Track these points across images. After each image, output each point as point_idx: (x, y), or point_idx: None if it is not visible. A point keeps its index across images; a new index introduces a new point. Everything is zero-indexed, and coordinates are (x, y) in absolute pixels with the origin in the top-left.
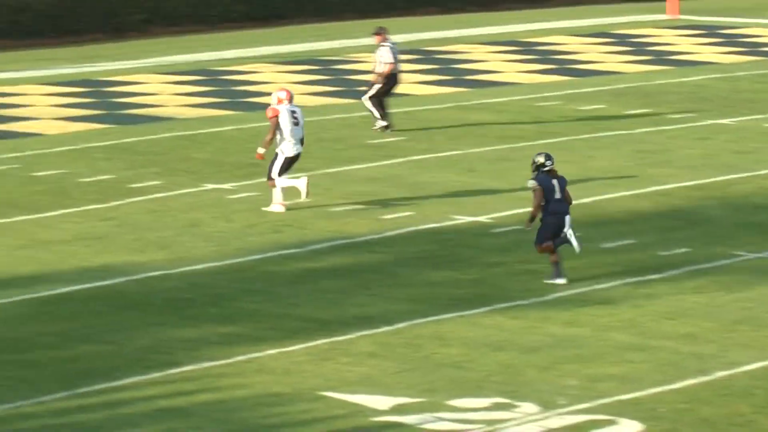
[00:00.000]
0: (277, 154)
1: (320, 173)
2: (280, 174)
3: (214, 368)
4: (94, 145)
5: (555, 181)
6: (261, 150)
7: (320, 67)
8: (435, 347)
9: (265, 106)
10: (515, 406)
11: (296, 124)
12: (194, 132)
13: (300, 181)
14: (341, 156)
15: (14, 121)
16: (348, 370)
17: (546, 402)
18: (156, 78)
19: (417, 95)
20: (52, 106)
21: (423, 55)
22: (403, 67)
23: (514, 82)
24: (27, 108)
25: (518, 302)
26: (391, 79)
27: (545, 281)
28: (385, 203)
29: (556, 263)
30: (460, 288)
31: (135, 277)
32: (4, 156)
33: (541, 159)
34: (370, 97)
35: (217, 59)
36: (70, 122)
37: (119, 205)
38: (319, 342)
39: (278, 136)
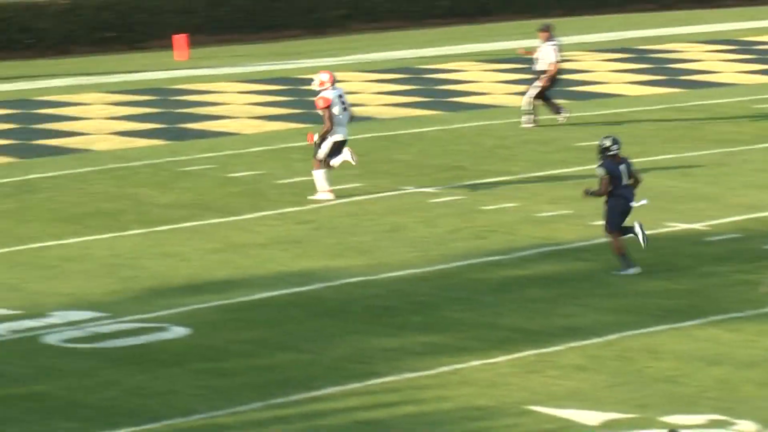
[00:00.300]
0: (323, 139)
1: (527, 176)
2: (328, 157)
3: (416, 379)
4: (291, 145)
5: (623, 167)
6: (316, 137)
7: (526, 66)
8: (647, 360)
9: (470, 106)
10: (732, 424)
11: (345, 108)
12: (396, 132)
13: (345, 154)
14: (548, 159)
15: (210, 120)
16: (555, 383)
17: (766, 420)
18: (356, 76)
19: (629, 96)
20: (248, 104)
21: (636, 53)
22: (615, 66)
23: (732, 83)
24: (223, 106)
25: (734, 314)
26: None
27: (613, 273)
28: (595, 208)
29: (623, 254)
30: (674, 299)
31: (334, 283)
32: (200, 156)
33: (607, 143)
34: (534, 98)
35: (420, 57)
36: (267, 121)
37: (318, 207)
38: (525, 353)
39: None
